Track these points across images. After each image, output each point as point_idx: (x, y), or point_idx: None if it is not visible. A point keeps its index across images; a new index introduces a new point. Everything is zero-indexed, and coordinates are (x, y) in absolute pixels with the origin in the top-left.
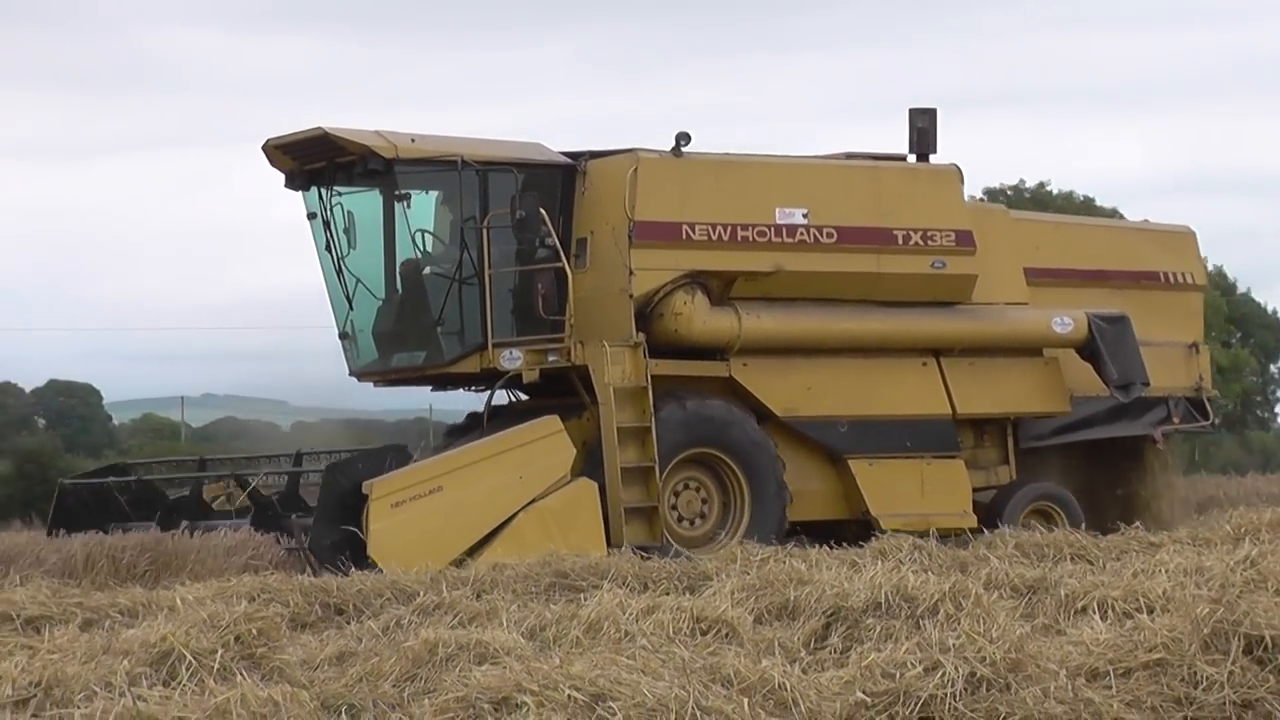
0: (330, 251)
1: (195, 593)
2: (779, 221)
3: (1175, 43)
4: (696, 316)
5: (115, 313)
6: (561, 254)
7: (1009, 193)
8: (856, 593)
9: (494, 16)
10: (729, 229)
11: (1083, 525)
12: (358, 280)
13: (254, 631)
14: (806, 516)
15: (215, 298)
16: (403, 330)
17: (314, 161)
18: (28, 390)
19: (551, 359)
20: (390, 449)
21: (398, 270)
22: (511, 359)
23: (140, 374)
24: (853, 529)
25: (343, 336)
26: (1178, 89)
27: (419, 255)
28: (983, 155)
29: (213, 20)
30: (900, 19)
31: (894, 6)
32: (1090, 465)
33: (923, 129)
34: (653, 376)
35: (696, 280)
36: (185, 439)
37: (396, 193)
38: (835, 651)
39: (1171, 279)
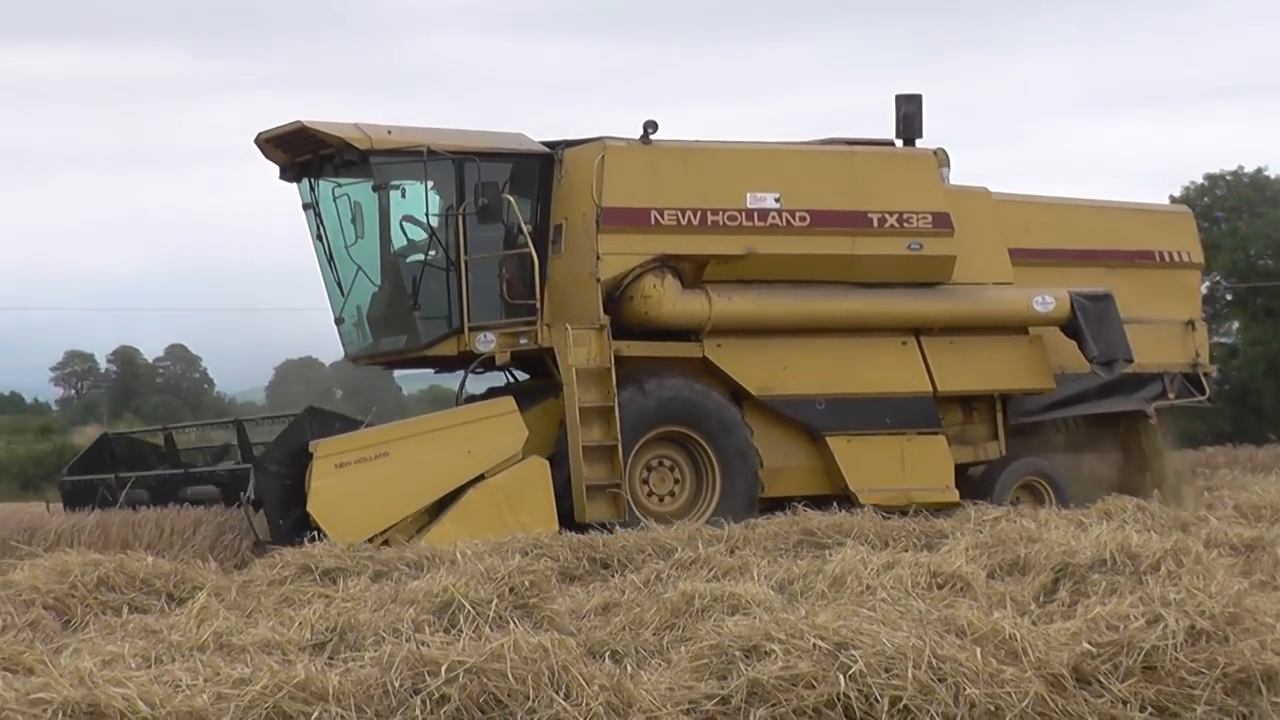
0: (322, 240)
1: (474, 547)
2: (750, 206)
3: None
4: (666, 299)
5: None
6: (529, 239)
7: (1228, 179)
8: (1083, 550)
9: (743, 19)
10: (699, 214)
11: (1069, 500)
12: (358, 267)
13: (527, 583)
14: (786, 493)
15: None
16: (387, 315)
17: (302, 154)
18: (327, 364)
19: (522, 342)
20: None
21: (381, 258)
22: (486, 342)
23: None
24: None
25: (338, 322)
26: None
27: (397, 243)
28: (1206, 144)
29: (489, 26)
30: (1123, 13)
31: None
32: (1086, 439)
33: (908, 114)
34: (626, 358)
35: (666, 264)
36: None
37: (373, 184)
38: (1063, 605)
39: (1167, 258)
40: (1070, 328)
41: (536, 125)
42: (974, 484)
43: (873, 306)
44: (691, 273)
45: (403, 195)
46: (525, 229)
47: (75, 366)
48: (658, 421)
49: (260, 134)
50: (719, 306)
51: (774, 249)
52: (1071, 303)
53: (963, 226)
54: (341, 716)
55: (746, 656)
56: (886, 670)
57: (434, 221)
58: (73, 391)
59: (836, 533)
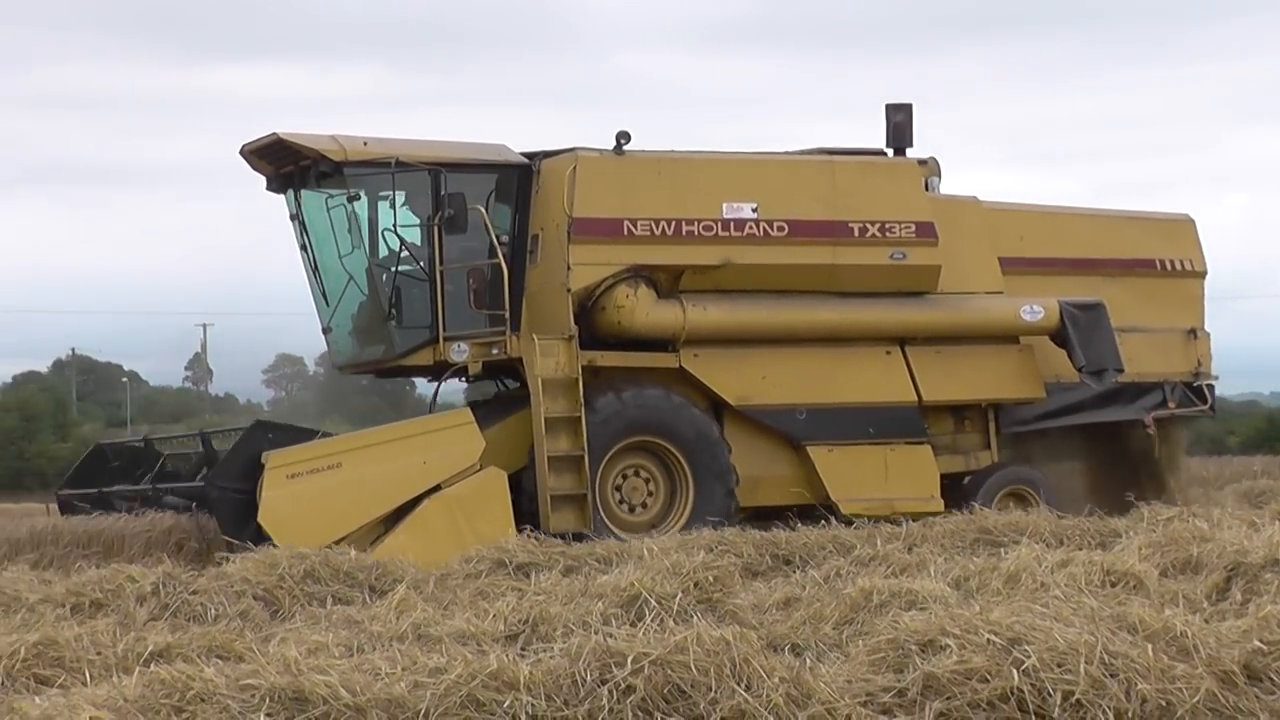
0: (306, 251)
1: (660, 544)
2: (726, 216)
3: None
4: (639, 309)
5: None
6: (499, 250)
7: None
8: (1255, 550)
9: (920, 32)
10: (673, 224)
11: (1054, 508)
12: (347, 277)
13: (711, 578)
14: (767, 502)
15: None
16: (367, 325)
17: (284, 166)
18: None
19: (494, 352)
20: (323, 435)
21: (361, 269)
22: (460, 352)
23: None
24: (818, 514)
25: (325, 331)
26: None
27: (373, 254)
28: None
29: (674, 41)
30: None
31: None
32: (1089, 448)
33: (899, 123)
34: (601, 368)
35: (641, 274)
36: None
37: (348, 195)
38: (1235, 603)
39: (1169, 266)
40: (1059, 337)
41: (722, 137)
42: (962, 493)
43: (853, 316)
44: (667, 283)
45: (391, 206)
46: (497, 239)
47: (285, 369)
48: (627, 432)
49: (243, 146)
50: (693, 316)
51: (752, 259)
52: (1061, 312)
53: (949, 236)
54: (532, 705)
55: (922, 651)
56: (1059, 665)
57: (407, 233)
58: (283, 393)
59: (1013, 531)
